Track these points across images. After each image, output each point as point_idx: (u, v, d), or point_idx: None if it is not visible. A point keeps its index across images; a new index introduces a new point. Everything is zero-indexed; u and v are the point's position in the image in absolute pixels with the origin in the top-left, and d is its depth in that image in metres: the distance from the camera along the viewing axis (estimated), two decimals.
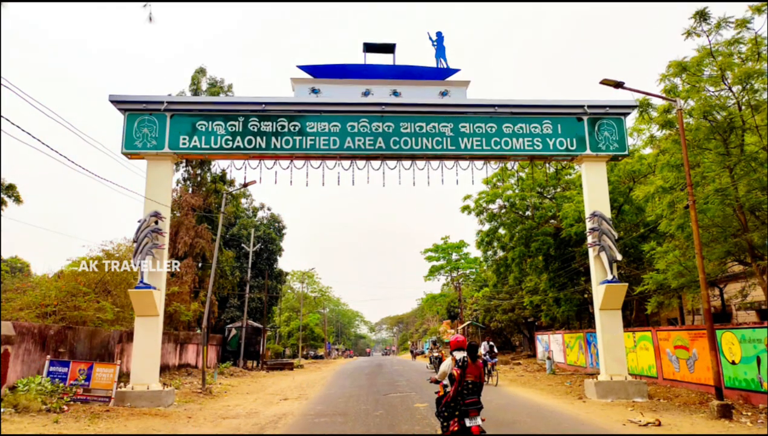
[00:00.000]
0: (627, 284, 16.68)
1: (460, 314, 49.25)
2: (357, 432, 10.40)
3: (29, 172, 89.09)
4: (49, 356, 14.05)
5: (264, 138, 15.61)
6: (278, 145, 15.57)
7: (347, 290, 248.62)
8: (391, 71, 16.43)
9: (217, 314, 34.04)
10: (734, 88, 13.55)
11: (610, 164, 18.24)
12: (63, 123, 13.19)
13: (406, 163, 16.02)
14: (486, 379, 18.70)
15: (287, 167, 15.73)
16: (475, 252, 48.62)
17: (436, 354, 28.42)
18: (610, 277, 15.22)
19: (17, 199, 19.09)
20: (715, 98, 13.96)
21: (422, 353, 60.17)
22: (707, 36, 13.62)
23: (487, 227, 29.70)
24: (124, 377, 15.35)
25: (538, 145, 16.01)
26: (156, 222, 15.05)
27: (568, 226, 22.74)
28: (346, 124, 15.79)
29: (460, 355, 7.47)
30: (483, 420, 7.37)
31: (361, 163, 15.94)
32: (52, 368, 13.71)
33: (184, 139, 15.48)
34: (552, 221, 27.65)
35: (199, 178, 32.43)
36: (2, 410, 11.02)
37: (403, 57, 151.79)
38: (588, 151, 16.00)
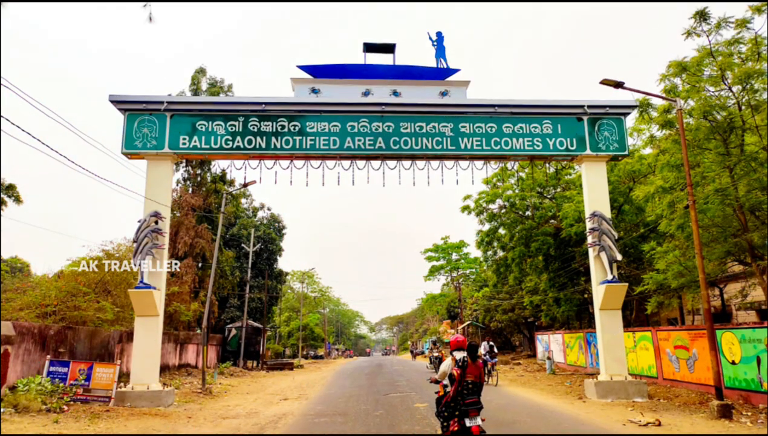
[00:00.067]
0: (627, 284, 16.68)
1: (460, 314, 49.25)
2: (357, 432, 10.40)
3: (29, 172, 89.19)
4: (49, 356, 14.05)
5: (264, 138, 15.61)
6: (278, 145, 15.57)
7: (347, 290, 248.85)
8: (391, 71, 16.43)
9: (217, 314, 34.04)
10: (734, 88, 13.55)
11: (610, 164, 18.24)
12: (63, 123, 13.21)
13: (406, 163, 16.02)
14: (486, 379, 18.70)
15: (287, 167, 15.73)
16: (475, 252, 48.69)
17: (436, 354, 28.42)
18: (610, 277, 15.22)
19: (17, 199, 19.10)
20: (715, 98, 13.96)
21: (422, 353, 60.17)
22: (707, 36, 13.62)
23: (487, 227, 29.72)
24: (124, 377, 15.35)
25: (538, 145, 16.01)
26: (156, 222, 15.05)
27: (568, 226, 22.74)
28: (346, 124, 15.80)
29: (460, 355, 7.47)
30: (483, 420, 7.37)
31: (361, 163, 15.95)
32: (52, 368, 13.71)
33: (184, 139, 15.48)
34: (552, 221, 27.65)
35: (199, 178, 32.44)
36: (2, 410, 11.02)
37: (403, 57, 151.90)
38: (588, 151, 16.00)
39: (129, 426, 11.06)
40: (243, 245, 37.37)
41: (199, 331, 28.84)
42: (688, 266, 15.03)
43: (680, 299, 21.07)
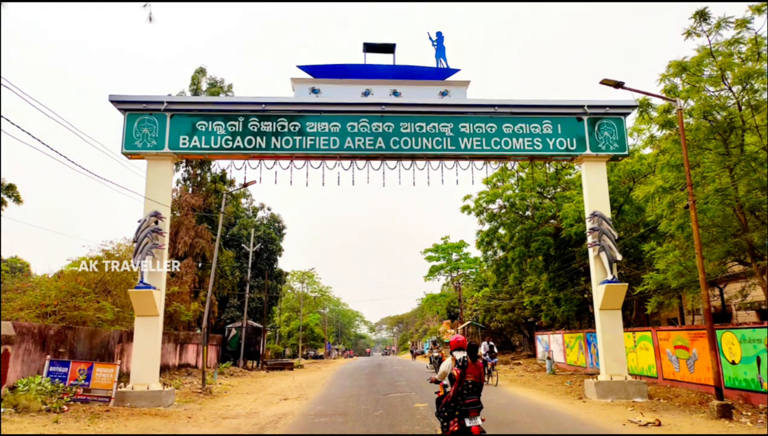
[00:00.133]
0: (627, 284, 16.68)
1: (460, 314, 49.25)
2: (357, 432, 10.40)
3: (29, 172, 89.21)
4: (49, 356, 14.05)
5: (264, 138, 15.61)
6: (278, 145, 15.57)
7: (347, 290, 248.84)
8: (391, 71, 16.44)
9: (217, 314, 34.04)
10: (734, 88, 13.55)
11: (610, 164, 18.25)
12: (63, 123, 13.21)
13: (406, 163, 16.03)
14: (486, 379, 18.70)
15: (287, 167, 15.73)
16: (475, 252, 48.69)
17: (436, 354, 28.43)
18: (610, 277, 15.22)
19: (17, 199, 19.10)
20: (715, 98, 13.96)
21: (422, 353, 60.17)
22: (707, 36, 13.62)
23: (487, 227, 29.72)
24: (124, 377, 15.35)
25: (538, 145, 16.02)
26: (156, 222, 15.05)
27: (568, 226, 22.74)
28: (346, 124, 15.80)
29: (460, 355, 7.47)
30: (483, 420, 7.37)
31: (361, 163, 15.95)
32: (52, 368, 13.71)
33: (184, 139, 15.48)
34: (552, 221, 27.65)
35: (199, 178, 32.44)
36: (2, 410, 11.02)
37: (403, 57, 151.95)
38: (588, 151, 16.00)
39: (129, 426, 11.06)
40: (243, 245, 37.37)
41: (199, 331, 28.84)
42: (688, 266, 15.03)
43: (680, 299, 21.07)
